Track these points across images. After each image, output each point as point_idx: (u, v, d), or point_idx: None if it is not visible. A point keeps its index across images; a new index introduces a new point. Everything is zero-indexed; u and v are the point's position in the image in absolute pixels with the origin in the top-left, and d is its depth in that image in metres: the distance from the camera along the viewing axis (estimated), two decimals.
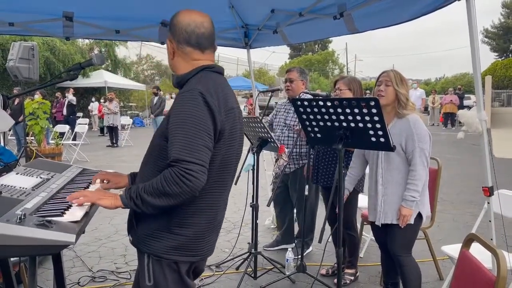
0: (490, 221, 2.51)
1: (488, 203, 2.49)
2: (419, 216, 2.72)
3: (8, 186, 1.65)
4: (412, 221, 2.69)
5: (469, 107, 26.82)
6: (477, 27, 2.32)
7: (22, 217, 1.32)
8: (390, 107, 2.78)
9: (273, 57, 48.20)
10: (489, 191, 2.42)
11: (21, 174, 1.85)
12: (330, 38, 49.09)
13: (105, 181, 1.87)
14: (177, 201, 1.54)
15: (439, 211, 5.75)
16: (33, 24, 3.67)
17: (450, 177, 7.63)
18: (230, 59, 34.56)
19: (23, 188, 1.66)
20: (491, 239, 2.49)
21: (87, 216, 1.57)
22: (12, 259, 2.36)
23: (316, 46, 53.10)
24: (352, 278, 3.53)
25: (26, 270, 2.39)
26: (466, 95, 26.87)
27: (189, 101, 1.56)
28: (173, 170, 1.50)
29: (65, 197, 1.64)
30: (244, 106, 20.96)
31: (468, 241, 1.68)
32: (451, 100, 17.25)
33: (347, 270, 3.55)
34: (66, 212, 1.49)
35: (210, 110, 1.57)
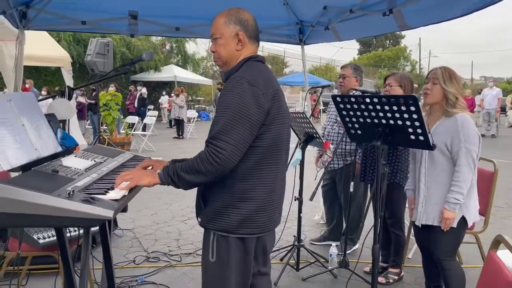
0: None
1: None
2: (464, 220, 2.64)
3: (65, 167, 1.88)
4: (455, 225, 2.61)
5: None
6: None
7: (71, 193, 1.53)
8: (438, 105, 2.72)
9: (341, 52, 47.25)
10: None
11: (78, 157, 2.10)
12: (403, 33, 47.23)
13: (149, 168, 2.05)
14: (209, 178, 1.72)
15: (504, 217, 5.45)
16: (102, 23, 4.02)
17: None
18: (297, 54, 34.48)
19: (77, 169, 1.89)
20: None
21: (129, 195, 1.75)
22: (72, 234, 2.66)
23: (388, 41, 51.31)
24: (396, 277, 3.49)
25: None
26: None
27: (235, 87, 1.73)
28: (207, 150, 1.70)
29: (112, 178, 1.85)
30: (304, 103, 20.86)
31: (495, 243, 1.66)
32: None
33: (391, 269, 3.52)
34: (109, 191, 1.68)
35: (254, 95, 1.72)
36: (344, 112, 2.55)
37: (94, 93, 11.67)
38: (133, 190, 1.80)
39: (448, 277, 2.71)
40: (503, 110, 17.29)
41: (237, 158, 1.71)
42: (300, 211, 3.62)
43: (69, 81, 8.63)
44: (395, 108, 2.27)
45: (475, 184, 2.67)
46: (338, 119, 3.92)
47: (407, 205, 3.58)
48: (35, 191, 1.49)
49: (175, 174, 1.73)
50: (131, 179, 1.78)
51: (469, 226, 2.71)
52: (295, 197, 3.61)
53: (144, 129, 13.18)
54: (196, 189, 1.89)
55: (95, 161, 2.10)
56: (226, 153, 1.67)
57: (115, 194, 1.66)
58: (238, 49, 1.88)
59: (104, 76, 2.61)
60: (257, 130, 1.75)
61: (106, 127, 9.94)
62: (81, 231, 2.51)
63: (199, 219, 1.90)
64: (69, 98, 2.36)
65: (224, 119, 1.70)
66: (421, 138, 2.29)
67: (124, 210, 1.78)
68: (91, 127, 12.76)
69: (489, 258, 1.65)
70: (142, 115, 14.09)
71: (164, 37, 21.74)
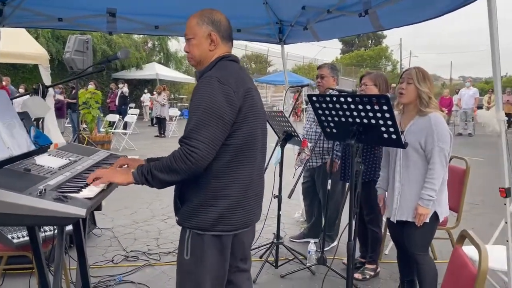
0: (506, 222, 2.47)
1: (505, 204, 2.45)
2: (436, 215, 2.71)
3: (38, 165, 1.87)
4: (427, 220, 2.68)
5: None
6: (497, 26, 2.28)
7: (43, 192, 1.52)
8: (412, 105, 2.78)
9: (324, 52, 47.56)
10: (505, 192, 2.38)
11: (52, 156, 2.08)
12: (384, 33, 47.81)
13: (125, 166, 2.05)
14: (183, 176, 1.74)
15: (479, 214, 5.59)
16: (80, 20, 3.98)
17: (497, 180, 7.33)
18: (280, 53, 34.53)
19: (50, 167, 1.87)
20: (507, 241, 2.45)
21: (103, 193, 1.75)
22: (46, 234, 2.64)
23: (370, 41, 51.87)
24: (372, 273, 3.56)
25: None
26: None
27: (206, 86, 1.75)
28: (181, 149, 1.72)
29: (86, 177, 1.84)
30: (291, 101, 20.93)
31: (460, 238, 1.72)
32: (507, 100, 16.30)
33: (367, 265, 3.59)
34: (82, 189, 1.68)
35: (225, 93, 1.74)
36: (320, 111, 2.59)
37: (73, 91, 11.50)
38: (107, 189, 1.80)
39: (421, 272, 2.78)
40: (479, 109, 17.65)
41: (210, 156, 1.73)
42: (279, 208, 3.66)
43: (46, 78, 8.49)
44: (368, 107, 2.31)
45: (446, 180, 2.75)
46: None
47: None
48: (5, 189, 1.47)
49: (149, 173, 1.75)
50: (104, 175, 1.79)
51: (440, 221, 2.79)
52: (274, 195, 3.64)
53: (125, 127, 13.06)
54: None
55: (69, 159, 2.09)
56: (200, 152, 1.69)
57: (88, 192, 1.66)
58: (211, 49, 1.91)
59: (80, 73, 2.58)
60: (229, 128, 1.77)
61: (85, 126, 9.82)
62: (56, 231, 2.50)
63: (177, 218, 1.92)
64: (43, 96, 2.33)
65: (195, 118, 1.72)
66: (394, 136, 2.34)
67: (98, 208, 1.78)
68: (70, 125, 12.59)
69: (455, 252, 1.70)
70: (123, 114, 13.96)
71: (146, 35, 21.55)
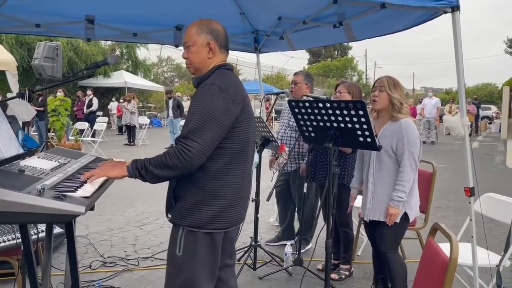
0: (470, 220, 2.67)
1: (469, 202, 2.65)
2: (406, 216, 2.89)
3: (30, 166, 1.91)
4: (398, 220, 2.85)
5: (489, 118, 26.54)
6: (461, 38, 2.49)
7: (41, 191, 1.57)
8: (385, 111, 2.97)
9: (292, 62, 48.40)
10: (470, 192, 2.58)
11: (42, 158, 2.11)
12: (350, 44, 49.21)
13: None
14: (176, 173, 1.83)
15: (442, 217, 5.88)
16: (58, 26, 3.98)
17: (458, 185, 7.69)
18: (249, 63, 34.77)
19: (43, 169, 1.91)
20: (472, 237, 2.64)
21: (98, 192, 1.81)
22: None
23: (336, 52, 53.13)
24: (347, 273, 3.70)
25: (43, 250, 2.64)
26: (485, 106, 26.49)
27: (206, 93, 1.86)
28: (176, 147, 1.82)
29: (79, 178, 1.89)
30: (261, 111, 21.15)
31: (433, 231, 1.88)
32: (468, 110, 17.17)
33: (342, 266, 3.73)
34: (78, 189, 1.73)
35: (224, 101, 1.86)
36: (299, 116, 2.73)
37: (40, 99, 11.22)
38: (101, 187, 1.86)
39: (392, 270, 2.94)
40: (441, 118, 18.42)
41: (203, 157, 1.83)
42: (257, 211, 3.76)
43: (14, 85, 8.27)
44: (345, 112, 2.47)
45: (416, 183, 2.93)
46: (290, 123, 4.11)
47: (356, 204, 3.83)
48: (4, 188, 1.51)
49: (143, 168, 1.83)
50: (100, 171, 1.86)
51: (410, 221, 2.97)
52: (252, 198, 3.73)
53: (93, 135, 12.85)
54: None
55: (59, 162, 2.13)
56: (194, 151, 1.79)
57: (84, 191, 1.72)
58: (209, 57, 2.02)
59: (67, 79, 2.62)
60: (225, 133, 1.88)
61: (54, 134, 9.62)
62: (41, 235, 2.51)
63: (169, 216, 2.00)
64: (29, 100, 2.36)
65: (194, 121, 1.82)
66: (369, 140, 2.50)
67: (92, 208, 1.83)
68: (36, 133, 12.25)
69: (427, 244, 1.86)
70: (91, 122, 13.72)
71: (114, 42, 21.31)
